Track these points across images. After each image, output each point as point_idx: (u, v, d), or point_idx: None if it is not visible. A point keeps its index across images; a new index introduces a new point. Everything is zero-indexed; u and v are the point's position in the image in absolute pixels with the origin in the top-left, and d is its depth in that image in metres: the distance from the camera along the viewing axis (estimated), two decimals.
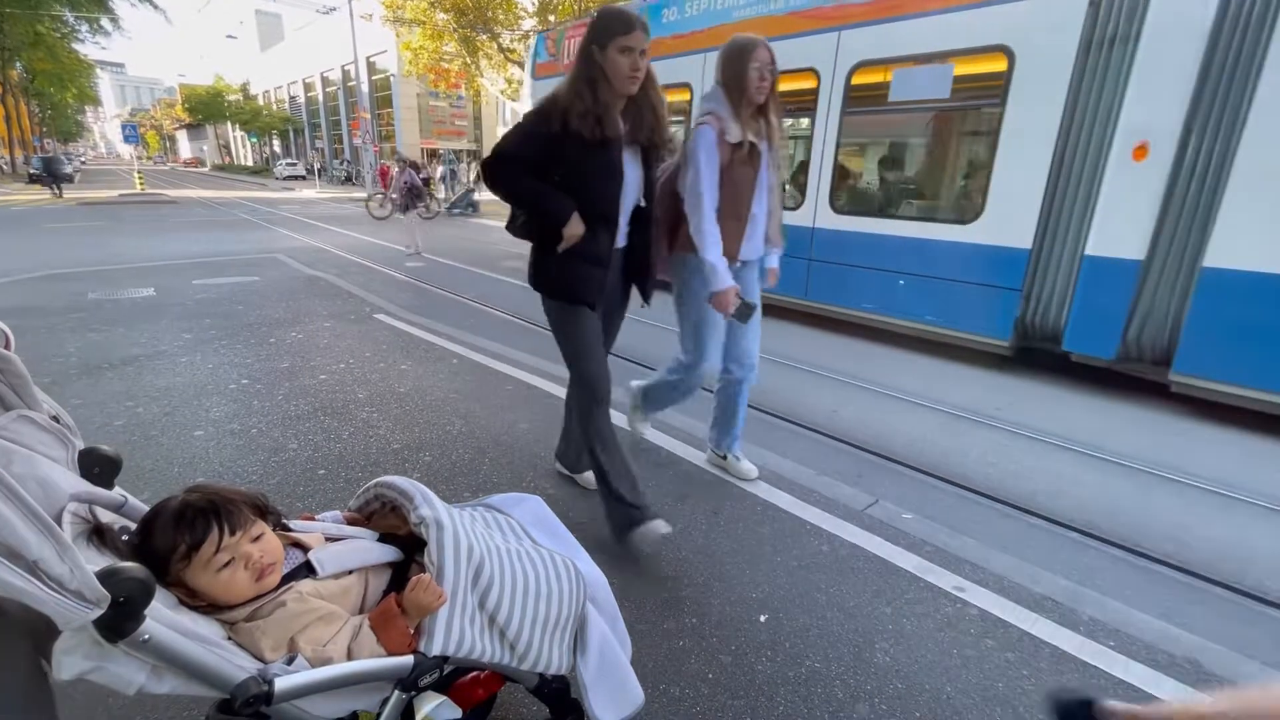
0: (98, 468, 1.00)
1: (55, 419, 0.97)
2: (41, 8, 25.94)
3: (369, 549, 1.11)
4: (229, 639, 0.90)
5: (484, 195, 18.49)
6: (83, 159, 64.47)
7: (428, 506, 1.11)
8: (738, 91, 2.25)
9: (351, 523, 1.22)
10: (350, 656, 0.95)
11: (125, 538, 0.92)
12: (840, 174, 5.75)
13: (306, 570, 1.02)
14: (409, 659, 0.98)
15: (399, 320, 5.34)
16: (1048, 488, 2.98)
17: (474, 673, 1.20)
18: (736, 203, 2.34)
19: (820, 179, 5.77)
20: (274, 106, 50.28)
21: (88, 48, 32.75)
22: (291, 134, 48.74)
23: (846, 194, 5.90)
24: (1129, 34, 3.99)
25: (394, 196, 10.39)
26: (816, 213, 5.83)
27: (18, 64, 30.98)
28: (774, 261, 2.66)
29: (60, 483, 0.87)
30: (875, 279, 5.50)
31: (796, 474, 2.79)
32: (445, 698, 1.08)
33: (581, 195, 2.01)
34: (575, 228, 2.00)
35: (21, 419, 0.90)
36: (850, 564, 2.17)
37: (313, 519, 1.19)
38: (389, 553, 1.13)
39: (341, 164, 38.94)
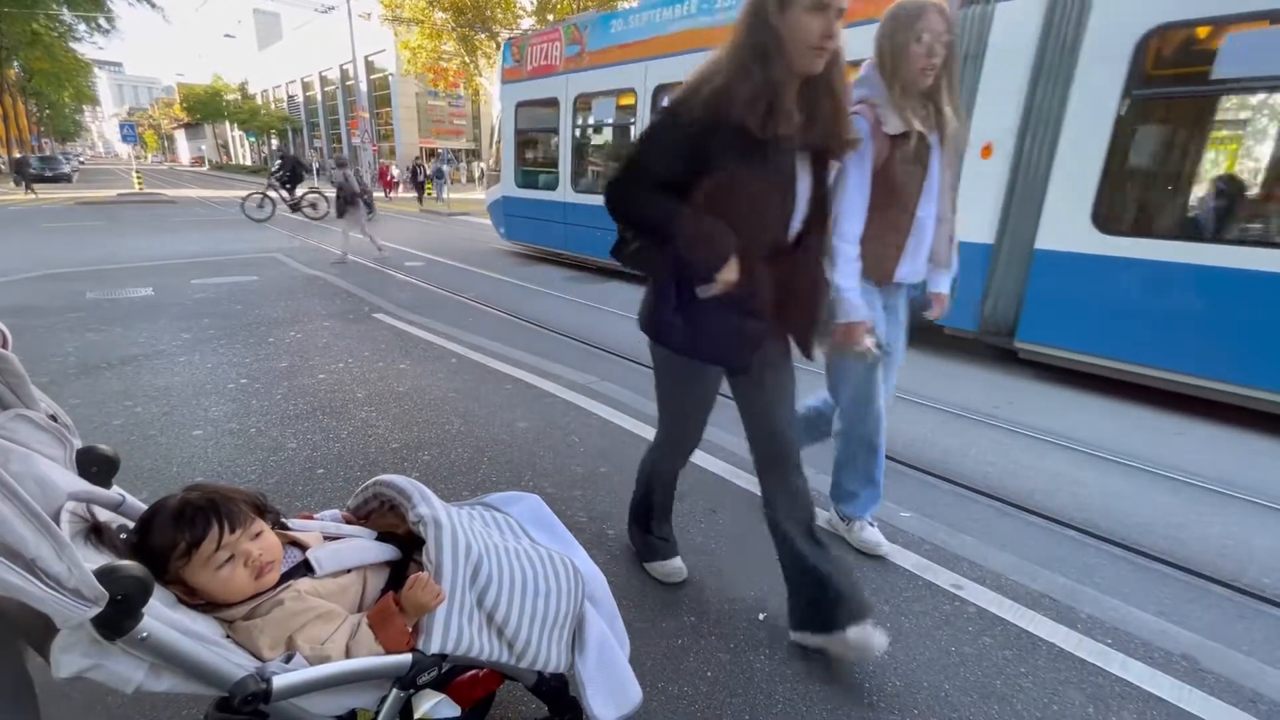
0: (95, 467, 1.00)
1: (53, 418, 0.97)
2: (38, 6, 25.84)
3: (367, 547, 1.12)
4: (227, 637, 0.90)
5: (441, 193, 18.36)
6: (81, 158, 64.23)
7: (426, 505, 1.11)
8: (897, 72, 1.78)
9: (350, 522, 1.23)
10: (348, 655, 0.95)
11: (123, 536, 0.92)
12: None
13: (305, 569, 1.02)
14: (407, 657, 0.98)
15: (398, 319, 5.34)
16: (1045, 486, 2.98)
17: (472, 671, 1.20)
18: (896, 209, 1.88)
19: None
20: (272, 106, 50.20)
21: (85, 47, 32.73)
22: (290, 133, 48.67)
23: None
24: (978, 52, 4.70)
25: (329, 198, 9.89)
26: None
27: (15, 63, 30.92)
28: (943, 286, 2.11)
29: (58, 481, 0.87)
30: None
31: None
32: (443, 696, 1.08)
33: (738, 217, 1.43)
34: (732, 274, 1.44)
35: (19, 418, 0.90)
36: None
37: (311, 518, 1.19)
38: (387, 551, 1.13)
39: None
